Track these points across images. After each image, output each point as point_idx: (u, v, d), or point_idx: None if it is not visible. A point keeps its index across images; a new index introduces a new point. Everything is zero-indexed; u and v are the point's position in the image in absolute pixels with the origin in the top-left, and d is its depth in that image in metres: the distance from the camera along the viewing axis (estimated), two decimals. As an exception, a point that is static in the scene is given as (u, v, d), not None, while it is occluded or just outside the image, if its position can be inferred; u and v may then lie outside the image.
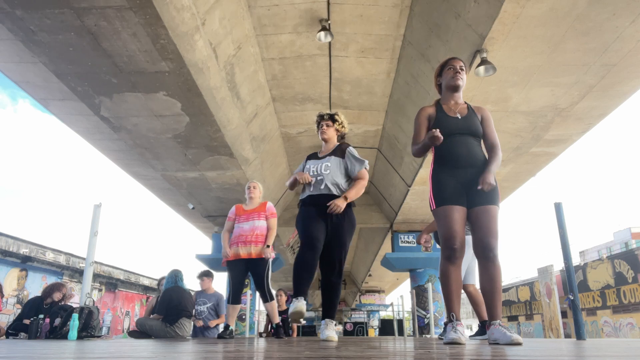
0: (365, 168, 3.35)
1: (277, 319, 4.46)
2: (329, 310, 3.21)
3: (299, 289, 3.05)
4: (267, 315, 7.01)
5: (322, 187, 3.24)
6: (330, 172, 3.27)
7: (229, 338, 4.20)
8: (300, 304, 2.97)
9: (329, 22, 5.80)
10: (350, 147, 3.43)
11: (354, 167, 3.32)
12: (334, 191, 3.23)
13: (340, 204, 3.09)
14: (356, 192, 3.26)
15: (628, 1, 4.18)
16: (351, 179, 3.34)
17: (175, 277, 5.46)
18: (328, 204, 3.11)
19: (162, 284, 5.82)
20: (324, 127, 3.50)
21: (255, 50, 6.33)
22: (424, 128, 2.70)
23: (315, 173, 3.31)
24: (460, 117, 2.62)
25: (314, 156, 3.53)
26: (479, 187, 2.45)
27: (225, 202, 9.83)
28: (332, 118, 3.52)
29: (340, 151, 3.40)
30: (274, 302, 4.47)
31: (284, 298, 7.13)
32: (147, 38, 4.75)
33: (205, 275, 6.18)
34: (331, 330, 3.05)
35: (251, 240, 4.34)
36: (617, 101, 5.99)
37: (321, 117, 3.56)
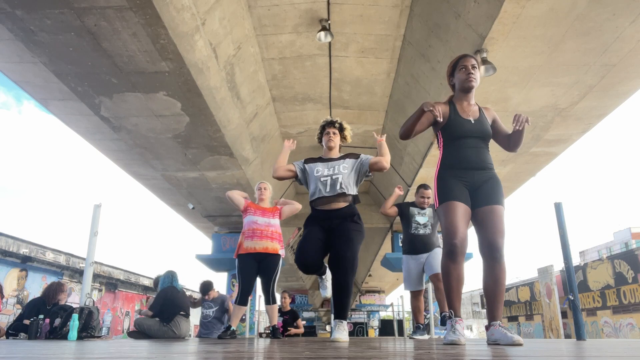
0: None
1: (275, 322, 4.48)
2: (340, 310, 3.13)
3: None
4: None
5: (338, 187, 3.23)
6: (348, 171, 3.29)
7: (231, 339, 4.17)
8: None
9: (329, 22, 5.79)
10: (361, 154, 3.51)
11: (368, 158, 3.38)
12: (348, 191, 3.24)
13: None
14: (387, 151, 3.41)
15: (628, 1, 4.18)
16: (357, 187, 3.39)
17: (171, 277, 5.52)
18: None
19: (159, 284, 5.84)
20: (331, 134, 3.45)
21: (255, 50, 6.33)
22: (426, 119, 2.65)
23: (331, 173, 3.27)
24: (473, 121, 2.61)
25: (317, 160, 3.45)
26: (514, 125, 2.51)
27: (225, 202, 9.80)
28: (341, 127, 3.49)
29: (353, 155, 3.44)
30: (276, 306, 4.47)
31: (288, 300, 7.24)
32: (147, 38, 4.75)
33: (209, 290, 6.19)
34: (341, 332, 3.04)
35: (267, 235, 4.33)
36: (617, 101, 5.99)
37: (331, 124, 3.49)
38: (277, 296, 4.84)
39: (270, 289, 4.32)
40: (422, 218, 4.55)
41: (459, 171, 2.54)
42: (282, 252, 4.42)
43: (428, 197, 4.60)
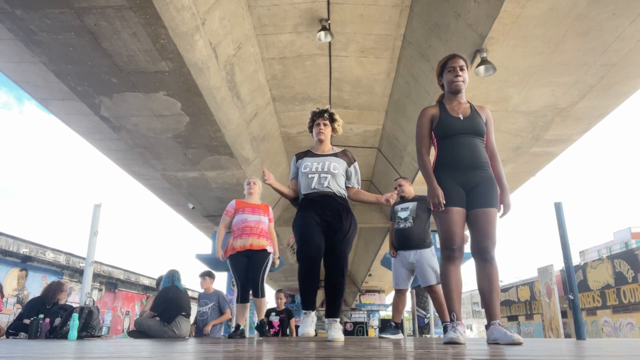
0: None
1: (262, 316, 4.53)
2: (333, 309, 3.07)
3: (307, 303, 3.02)
4: (271, 321, 7.05)
5: (326, 184, 3.09)
6: (338, 172, 3.14)
7: (241, 338, 4.17)
8: (309, 329, 2.93)
9: (329, 21, 5.79)
10: (356, 162, 3.34)
11: (356, 179, 3.27)
12: (337, 192, 3.12)
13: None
14: (367, 197, 3.24)
15: (628, 1, 4.18)
16: (346, 186, 3.24)
17: (172, 277, 5.48)
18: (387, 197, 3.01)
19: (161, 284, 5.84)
20: (322, 126, 3.28)
21: (255, 50, 6.33)
22: (427, 130, 2.69)
23: (320, 170, 3.11)
24: (462, 118, 2.61)
25: (308, 154, 3.31)
26: (501, 214, 2.54)
27: (225, 202, 9.80)
28: (331, 117, 3.32)
29: (347, 157, 3.27)
30: (264, 300, 4.45)
31: (283, 300, 7.21)
32: (147, 38, 4.75)
33: (207, 275, 6.21)
34: (337, 331, 2.95)
35: (255, 232, 4.34)
36: (617, 101, 5.99)
37: (319, 114, 3.30)
38: (271, 292, 4.90)
39: (259, 281, 4.28)
40: (404, 213, 4.42)
41: (452, 171, 2.55)
42: (269, 248, 4.41)
43: (400, 185, 4.55)
